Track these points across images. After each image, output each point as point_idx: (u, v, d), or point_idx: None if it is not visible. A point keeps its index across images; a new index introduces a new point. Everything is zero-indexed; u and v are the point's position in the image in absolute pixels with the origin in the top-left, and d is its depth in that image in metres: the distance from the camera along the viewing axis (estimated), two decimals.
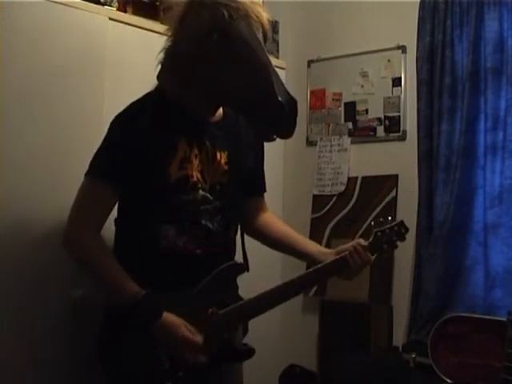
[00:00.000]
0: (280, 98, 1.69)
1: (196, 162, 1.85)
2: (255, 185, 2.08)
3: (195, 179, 1.84)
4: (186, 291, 1.81)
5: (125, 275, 1.76)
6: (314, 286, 1.94)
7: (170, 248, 1.81)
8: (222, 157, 1.91)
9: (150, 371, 1.76)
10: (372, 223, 2.02)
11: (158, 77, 1.90)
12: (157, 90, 1.90)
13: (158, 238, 1.80)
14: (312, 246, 2.08)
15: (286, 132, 1.76)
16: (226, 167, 1.91)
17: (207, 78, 1.78)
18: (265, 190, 2.14)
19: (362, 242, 1.96)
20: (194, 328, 1.77)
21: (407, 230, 2.02)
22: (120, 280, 1.76)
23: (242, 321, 1.95)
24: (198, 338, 1.77)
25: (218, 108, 1.93)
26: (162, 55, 1.88)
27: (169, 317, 1.75)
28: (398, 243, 2.01)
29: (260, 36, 1.77)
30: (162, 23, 2.64)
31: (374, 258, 1.99)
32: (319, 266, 1.94)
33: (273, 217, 2.15)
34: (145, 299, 1.73)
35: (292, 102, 1.72)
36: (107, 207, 1.84)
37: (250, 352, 1.90)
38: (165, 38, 1.88)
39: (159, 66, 1.89)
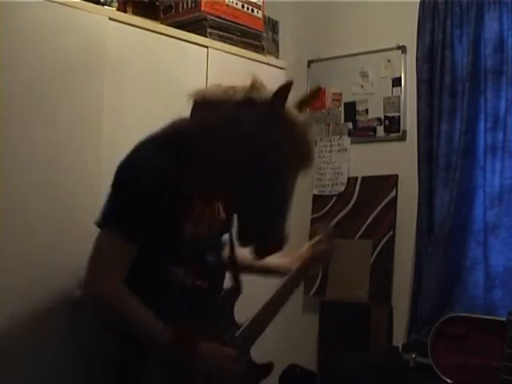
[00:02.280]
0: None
1: (206, 217, 1.87)
2: None
3: (205, 233, 1.87)
4: (200, 323, 1.83)
5: (153, 316, 1.72)
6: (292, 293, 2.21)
7: (179, 287, 1.82)
8: (220, 208, 1.93)
9: None
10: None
11: (196, 114, 1.84)
12: (184, 133, 1.82)
13: (168, 281, 1.80)
14: (273, 260, 2.12)
15: (262, 256, 1.89)
16: (223, 216, 1.95)
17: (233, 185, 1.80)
18: None
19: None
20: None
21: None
22: (150, 321, 1.72)
23: (256, 338, 2.02)
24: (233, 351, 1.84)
25: None
26: (218, 114, 1.79)
27: (202, 342, 1.76)
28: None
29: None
30: (161, 23, 2.64)
31: None
32: (296, 269, 2.14)
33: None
34: (177, 333, 1.72)
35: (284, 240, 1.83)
36: (130, 260, 1.76)
37: (270, 365, 2.05)
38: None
39: (206, 112, 1.81)
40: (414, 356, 2.68)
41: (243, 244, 1.86)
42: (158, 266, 1.80)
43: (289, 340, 3.20)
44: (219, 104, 1.79)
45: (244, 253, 2.10)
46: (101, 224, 1.77)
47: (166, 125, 1.85)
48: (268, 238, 1.82)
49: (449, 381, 2.55)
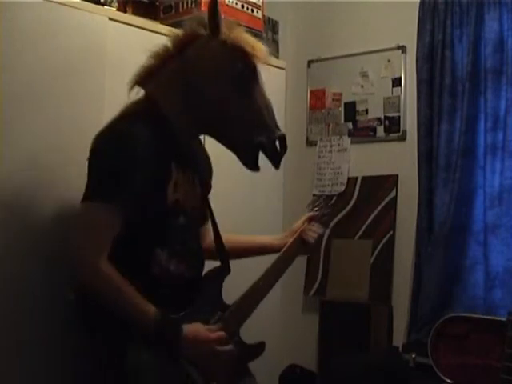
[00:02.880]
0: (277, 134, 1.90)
1: (182, 185, 1.86)
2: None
3: (182, 203, 1.86)
4: (188, 305, 1.82)
5: (143, 298, 1.71)
6: (285, 270, 2.11)
7: (162, 273, 1.80)
8: (195, 180, 1.93)
9: None
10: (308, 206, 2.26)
11: (149, 87, 1.89)
12: (149, 102, 1.87)
13: (151, 265, 1.79)
14: (264, 237, 2.20)
15: (279, 160, 1.95)
16: (199, 191, 1.95)
17: (221, 114, 1.86)
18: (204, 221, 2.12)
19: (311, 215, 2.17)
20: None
21: (332, 198, 2.35)
22: (141, 303, 1.71)
23: (245, 318, 1.97)
24: (220, 333, 1.82)
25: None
26: (168, 73, 1.87)
27: (187, 326, 1.75)
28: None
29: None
30: (161, 23, 2.64)
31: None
32: (286, 248, 2.08)
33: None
34: (165, 317, 1.72)
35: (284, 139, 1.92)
36: (115, 233, 1.73)
37: (262, 345, 2.01)
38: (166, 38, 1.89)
39: (158, 79, 1.88)
40: (414, 356, 2.68)
41: (253, 164, 1.91)
42: (141, 247, 1.78)
43: (289, 340, 3.21)
44: (162, 68, 1.88)
45: (238, 237, 2.15)
46: (83, 198, 1.76)
47: (124, 108, 1.88)
48: (274, 138, 1.90)
49: (449, 381, 2.55)
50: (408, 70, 3.06)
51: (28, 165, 2.06)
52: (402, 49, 3.10)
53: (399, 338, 2.92)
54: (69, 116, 2.17)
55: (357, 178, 3.19)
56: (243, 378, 1.99)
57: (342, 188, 3.22)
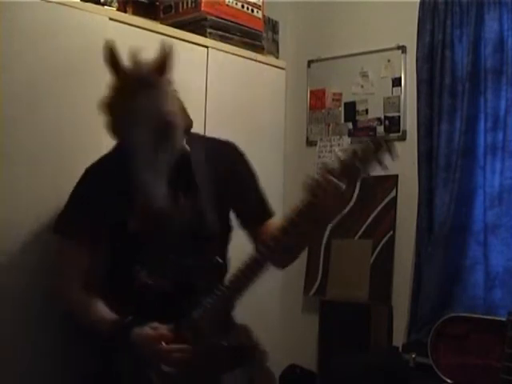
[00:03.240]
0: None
1: (152, 214, 1.82)
2: (250, 215, 2.06)
3: (154, 229, 1.86)
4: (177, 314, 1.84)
5: (105, 309, 1.84)
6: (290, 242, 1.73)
7: (143, 287, 1.85)
8: (181, 197, 1.92)
9: None
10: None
11: None
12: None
13: (131, 280, 1.85)
14: None
15: None
16: (185, 206, 1.92)
17: None
18: (264, 218, 2.04)
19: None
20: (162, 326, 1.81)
21: (383, 144, 1.64)
22: (102, 318, 1.83)
23: (218, 317, 1.86)
24: (165, 330, 1.79)
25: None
26: None
27: (138, 328, 1.79)
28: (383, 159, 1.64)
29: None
30: (161, 23, 2.65)
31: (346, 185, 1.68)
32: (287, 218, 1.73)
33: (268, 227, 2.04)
34: (120, 322, 1.80)
35: None
36: (87, 260, 1.91)
37: (251, 348, 1.94)
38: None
39: None
40: (414, 356, 2.68)
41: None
42: (122, 264, 1.88)
43: (289, 340, 3.21)
44: None
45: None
46: (52, 228, 1.94)
47: None
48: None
49: (449, 381, 2.55)
50: (408, 70, 3.06)
51: (27, 163, 2.06)
52: (402, 49, 3.10)
53: (399, 338, 2.92)
54: (69, 116, 2.17)
55: None
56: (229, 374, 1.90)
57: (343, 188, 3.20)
